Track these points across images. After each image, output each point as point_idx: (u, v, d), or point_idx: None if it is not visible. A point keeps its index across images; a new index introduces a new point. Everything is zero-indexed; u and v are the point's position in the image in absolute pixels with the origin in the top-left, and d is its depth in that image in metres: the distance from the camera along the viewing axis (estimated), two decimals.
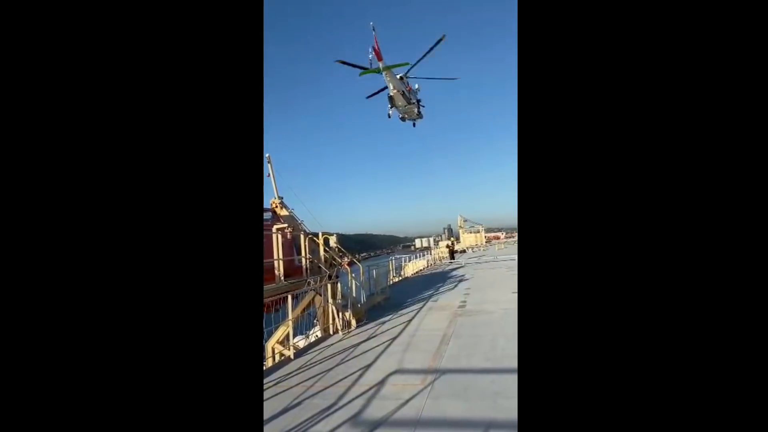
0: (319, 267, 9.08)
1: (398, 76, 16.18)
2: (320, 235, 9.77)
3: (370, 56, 14.66)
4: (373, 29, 14.03)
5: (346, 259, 10.15)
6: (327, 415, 3.98)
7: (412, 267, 22.09)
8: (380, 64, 14.80)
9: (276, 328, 8.80)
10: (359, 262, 11.08)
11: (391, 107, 17.51)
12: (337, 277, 9.34)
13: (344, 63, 15.55)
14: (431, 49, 15.38)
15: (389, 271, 16.09)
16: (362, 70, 15.19)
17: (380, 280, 12.87)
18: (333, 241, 10.20)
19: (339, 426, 3.74)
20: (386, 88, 16.47)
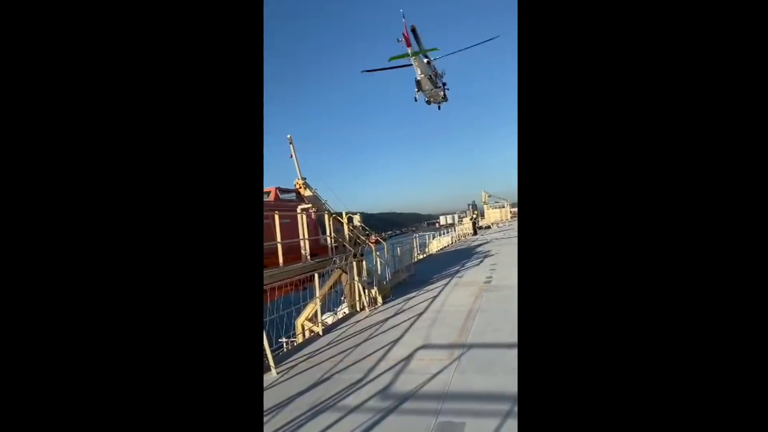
0: (344, 246, 9.19)
1: (426, 61, 16.56)
2: (344, 214, 9.84)
3: (400, 42, 15.19)
4: (403, 16, 14.58)
5: (372, 237, 10.23)
6: (356, 389, 4.10)
7: (437, 244, 22.06)
8: (409, 50, 15.30)
9: (305, 306, 9.05)
10: (384, 240, 11.13)
11: (417, 91, 17.95)
12: (362, 255, 9.44)
13: (369, 71, 16.55)
14: (479, 44, 16.10)
15: (413, 248, 16.15)
16: (390, 58, 16.03)
17: (404, 257, 12.94)
18: (357, 220, 10.26)
19: (368, 399, 3.84)
20: (405, 66, 16.87)
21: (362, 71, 17.45)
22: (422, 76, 16.86)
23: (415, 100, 18.47)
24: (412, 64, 16.18)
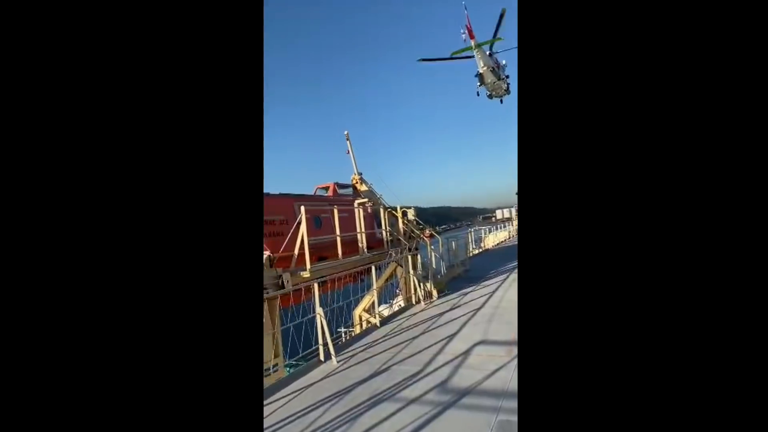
0: (399, 239, 9.26)
1: (487, 53, 16.28)
2: (398, 208, 9.90)
3: (463, 35, 15.23)
4: (465, 8, 14.74)
5: (427, 231, 10.22)
6: (414, 381, 4.15)
7: (493, 239, 21.46)
8: (472, 42, 15.29)
9: (361, 298, 9.28)
10: (438, 234, 11.06)
11: (480, 85, 17.83)
12: (416, 249, 9.46)
13: (426, 60, 16.65)
14: (497, 28, 15.57)
15: (468, 243, 15.85)
16: (453, 53, 16.17)
17: (459, 252, 12.76)
18: (411, 214, 10.29)
19: (427, 392, 3.87)
20: (465, 58, 16.79)
21: (419, 60, 17.36)
22: (485, 68, 16.64)
23: (477, 95, 18.34)
24: (474, 56, 16.05)
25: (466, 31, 14.98)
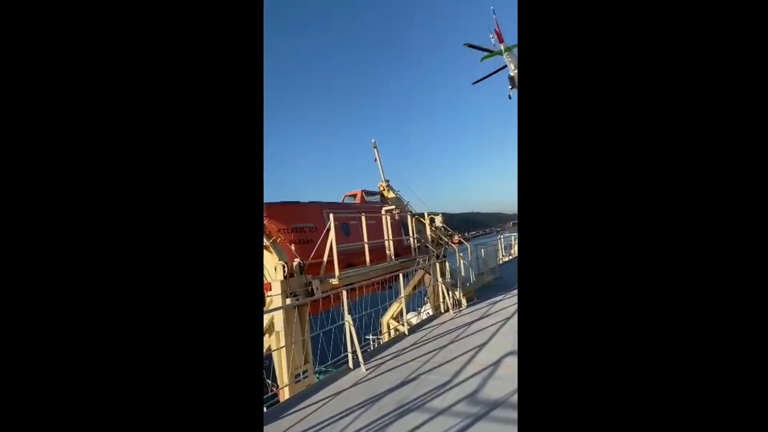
0: (427, 246, 9.21)
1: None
2: (426, 215, 9.87)
3: (492, 39, 15.76)
4: (494, 13, 15.19)
5: (455, 237, 10.12)
6: (443, 391, 4.10)
7: None
8: (501, 46, 15.86)
9: (390, 305, 9.27)
10: (467, 241, 10.92)
11: (511, 88, 18.00)
12: (444, 256, 9.38)
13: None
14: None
15: (498, 249, 15.54)
16: (485, 54, 16.60)
17: (489, 259, 12.53)
18: (438, 221, 10.23)
19: (456, 403, 3.82)
20: (504, 67, 17.10)
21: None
22: (516, 71, 16.86)
23: (509, 98, 18.32)
24: (505, 60, 16.46)
25: (495, 36, 15.32)
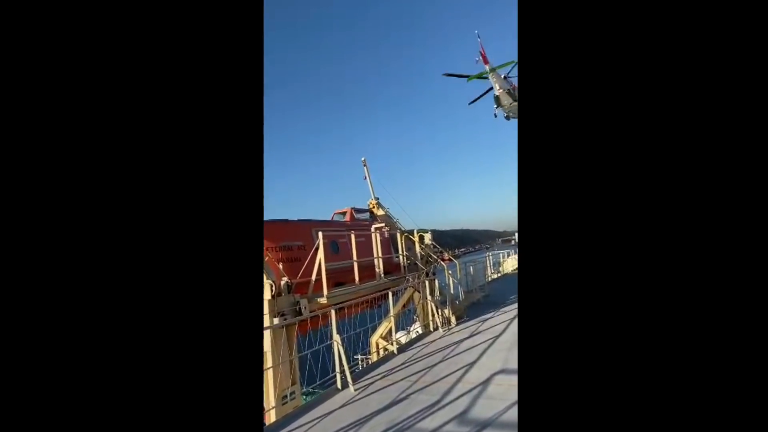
0: (416, 264, 9.21)
1: (503, 76, 17.35)
2: (415, 232, 9.91)
3: (477, 61, 16.29)
4: (478, 36, 15.78)
5: (445, 255, 10.15)
6: (433, 411, 4.04)
7: (512, 262, 21.04)
8: (486, 68, 16.34)
9: (379, 324, 9.18)
10: (455, 258, 10.96)
11: (497, 107, 18.63)
12: (434, 274, 9.38)
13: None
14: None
15: (486, 267, 15.60)
16: (469, 77, 17.31)
17: (478, 276, 12.55)
18: (428, 238, 10.26)
19: (446, 423, 3.77)
20: (491, 89, 17.83)
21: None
22: (500, 91, 17.44)
23: (495, 116, 19.05)
24: (490, 80, 17.18)
25: (480, 58, 15.93)
